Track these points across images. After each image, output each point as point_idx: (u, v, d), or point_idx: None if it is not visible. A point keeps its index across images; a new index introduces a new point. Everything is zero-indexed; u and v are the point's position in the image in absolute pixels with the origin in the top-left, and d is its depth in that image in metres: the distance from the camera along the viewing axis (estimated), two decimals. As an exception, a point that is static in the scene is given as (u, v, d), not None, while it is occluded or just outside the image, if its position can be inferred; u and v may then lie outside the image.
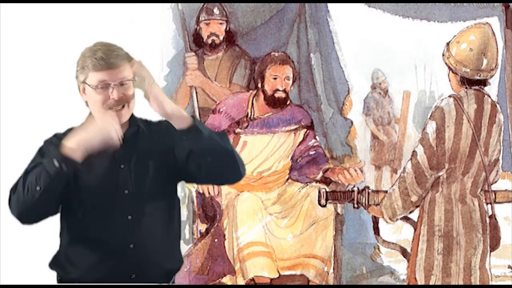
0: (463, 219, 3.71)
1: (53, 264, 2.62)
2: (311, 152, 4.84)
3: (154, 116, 2.63)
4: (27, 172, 2.47)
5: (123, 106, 2.52)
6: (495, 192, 3.88)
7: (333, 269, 4.73)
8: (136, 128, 2.62)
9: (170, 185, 2.63)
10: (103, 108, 2.50)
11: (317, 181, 4.80)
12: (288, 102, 4.84)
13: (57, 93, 4.63)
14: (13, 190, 2.48)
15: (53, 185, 2.40)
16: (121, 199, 2.54)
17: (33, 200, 2.42)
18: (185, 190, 4.95)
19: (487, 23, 3.80)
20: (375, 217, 4.08)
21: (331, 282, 4.71)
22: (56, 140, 2.53)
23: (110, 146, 2.43)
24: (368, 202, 3.98)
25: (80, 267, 2.54)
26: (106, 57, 2.48)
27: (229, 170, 2.55)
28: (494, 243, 3.79)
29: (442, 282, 3.71)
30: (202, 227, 4.83)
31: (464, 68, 3.70)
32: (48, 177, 2.39)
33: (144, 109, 2.62)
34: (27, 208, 2.45)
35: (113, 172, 2.54)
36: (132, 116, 2.62)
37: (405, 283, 3.91)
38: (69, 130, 2.57)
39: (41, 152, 2.57)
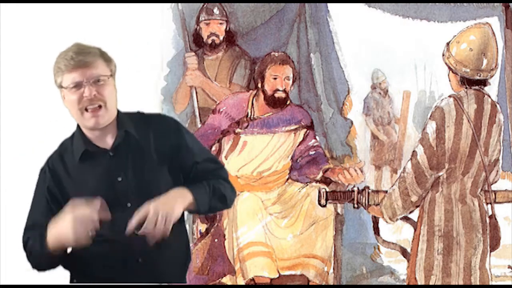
0: (463, 219, 3.71)
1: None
2: (311, 152, 4.84)
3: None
4: (28, 228, 2.52)
5: (100, 107, 2.41)
6: (495, 192, 3.88)
7: (333, 269, 4.72)
8: (123, 133, 2.48)
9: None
10: (79, 110, 2.42)
11: (317, 181, 4.79)
12: (288, 102, 4.83)
13: (57, 93, 4.62)
14: (24, 245, 2.54)
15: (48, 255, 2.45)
16: (124, 213, 2.39)
17: (39, 262, 2.52)
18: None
19: (487, 23, 3.79)
20: (375, 217, 4.08)
21: (331, 282, 4.71)
22: (47, 170, 2.51)
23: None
24: (368, 202, 3.97)
25: (89, 267, 2.49)
26: (76, 55, 2.41)
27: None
28: (494, 243, 3.78)
29: (442, 282, 3.71)
30: (202, 227, 4.82)
31: (464, 68, 3.70)
32: (38, 256, 2.48)
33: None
34: (37, 264, 2.53)
35: (110, 186, 2.42)
36: (119, 119, 2.50)
37: (405, 283, 3.91)
38: (61, 146, 2.55)
39: (38, 184, 2.56)
